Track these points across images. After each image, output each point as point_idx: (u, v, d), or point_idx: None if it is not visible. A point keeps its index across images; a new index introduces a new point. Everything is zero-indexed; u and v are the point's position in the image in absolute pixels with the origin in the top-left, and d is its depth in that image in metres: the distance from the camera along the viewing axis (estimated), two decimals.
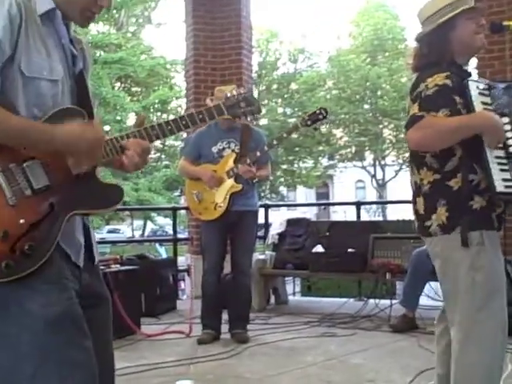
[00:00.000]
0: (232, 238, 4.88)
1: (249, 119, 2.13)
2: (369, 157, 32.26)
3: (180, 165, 5.08)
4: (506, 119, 2.45)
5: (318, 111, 4.63)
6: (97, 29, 23.34)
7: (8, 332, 1.67)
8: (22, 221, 1.68)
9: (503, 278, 2.47)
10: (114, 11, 22.70)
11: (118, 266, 5.36)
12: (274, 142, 4.88)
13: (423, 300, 5.51)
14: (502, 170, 2.38)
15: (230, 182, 4.72)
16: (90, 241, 1.90)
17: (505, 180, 2.36)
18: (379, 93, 28.56)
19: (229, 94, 1.99)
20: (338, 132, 30.04)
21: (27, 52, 1.71)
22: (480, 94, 2.44)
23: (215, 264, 4.83)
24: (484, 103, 2.43)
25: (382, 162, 32.29)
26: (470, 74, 2.59)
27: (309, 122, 4.60)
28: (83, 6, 1.83)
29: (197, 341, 4.80)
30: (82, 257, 1.85)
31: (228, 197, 4.71)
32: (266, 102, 29.09)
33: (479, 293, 2.41)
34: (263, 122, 27.88)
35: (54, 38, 1.82)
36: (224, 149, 4.78)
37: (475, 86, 2.44)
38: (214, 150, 4.79)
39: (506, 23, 2.65)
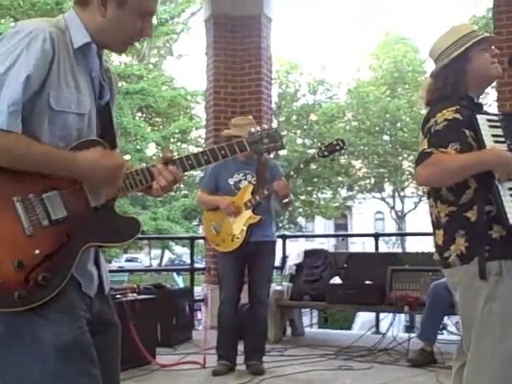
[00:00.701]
0: (250, 268, 4.87)
1: (271, 156, 2.08)
2: (388, 188, 32.12)
3: (198, 196, 5.12)
4: None
5: (335, 142, 4.58)
6: (119, 60, 23.71)
7: (20, 359, 1.68)
8: (37, 251, 1.68)
9: None
10: (137, 43, 23.08)
11: (134, 294, 5.36)
12: (292, 173, 4.87)
13: (442, 334, 5.44)
14: None
15: (247, 213, 4.72)
16: (100, 270, 1.92)
17: None
18: (399, 125, 28.54)
19: (253, 130, 1.98)
20: (357, 163, 29.99)
21: (57, 86, 1.74)
22: (490, 126, 2.45)
23: (232, 295, 4.82)
24: (495, 135, 2.44)
25: (402, 194, 32.11)
26: (481, 107, 2.61)
27: (326, 153, 4.55)
28: (128, 37, 1.87)
29: (212, 372, 4.77)
30: (94, 287, 1.86)
31: (246, 228, 4.70)
32: (285, 132, 29.16)
33: (496, 324, 2.39)
34: (282, 152, 27.91)
35: (85, 70, 1.85)
36: (240, 181, 4.81)
37: (485, 119, 2.45)
38: (231, 181, 4.82)
39: None
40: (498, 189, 2.37)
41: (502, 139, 2.46)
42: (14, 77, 1.66)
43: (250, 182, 4.79)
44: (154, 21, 21.11)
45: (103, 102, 1.92)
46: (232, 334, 4.85)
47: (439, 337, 5.31)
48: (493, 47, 2.61)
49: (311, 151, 27.01)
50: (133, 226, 1.87)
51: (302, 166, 4.85)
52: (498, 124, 2.48)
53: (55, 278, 1.69)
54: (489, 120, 2.46)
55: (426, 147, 2.43)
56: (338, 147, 4.55)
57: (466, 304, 2.49)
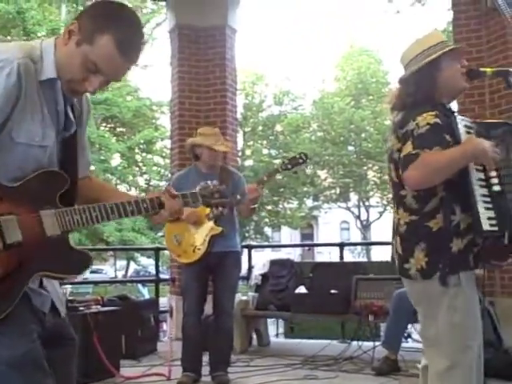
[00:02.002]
0: (214, 280, 4.85)
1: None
2: (353, 198, 32.42)
3: None
4: None
5: (298, 156, 4.62)
6: None
7: None
8: None
9: (479, 317, 2.51)
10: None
11: (98, 306, 5.29)
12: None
13: (407, 342, 5.49)
14: (486, 209, 2.40)
15: (209, 224, 4.71)
16: (50, 294, 1.90)
17: (489, 218, 2.39)
18: (363, 135, 28.88)
19: (202, 184, 2.16)
20: (323, 173, 30.23)
21: (21, 119, 1.74)
22: (466, 132, 2.49)
23: (195, 306, 4.79)
24: None
25: (367, 204, 32.46)
26: (453, 113, 2.64)
27: (289, 166, 4.59)
28: (69, 78, 1.83)
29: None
30: (45, 304, 1.85)
31: (207, 239, 4.70)
32: (251, 143, 29.29)
33: (459, 334, 2.43)
34: (248, 162, 28.01)
35: (51, 103, 1.84)
36: None
37: (462, 125, 2.50)
38: None
39: (483, 69, 2.72)
40: (475, 194, 2.39)
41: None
42: None
43: None
44: None
45: (67, 133, 1.92)
46: (197, 346, 4.82)
47: (403, 345, 5.36)
48: (463, 58, 2.66)
49: (277, 161, 27.14)
50: (84, 260, 1.87)
51: (265, 178, 4.86)
52: (471, 131, 2.52)
53: (2, 303, 1.69)
54: (465, 126, 2.51)
55: (411, 150, 2.42)
56: (300, 160, 4.59)
57: (428, 316, 2.53)
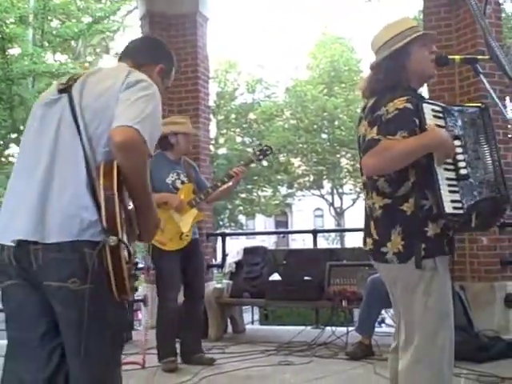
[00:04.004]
0: (189, 265, 4.90)
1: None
2: (327, 185, 32.55)
3: None
4: (458, 142, 2.50)
5: (265, 148, 4.93)
6: (54, 58, 23.16)
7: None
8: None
9: (451, 301, 2.55)
10: (72, 42, 22.58)
11: None
12: (225, 179, 4.98)
13: (381, 327, 5.55)
14: (451, 192, 2.41)
15: (193, 211, 4.83)
16: None
17: (454, 201, 2.41)
18: (336, 123, 28.94)
19: None
20: (296, 161, 30.27)
21: None
22: (434, 116, 2.50)
23: (177, 292, 4.87)
24: (438, 126, 2.48)
25: (340, 191, 32.62)
26: (423, 98, 2.66)
27: (260, 157, 4.91)
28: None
29: (164, 370, 4.75)
30: None
31: (192, 226, 4.81)
32: (224, 131, 29.21)
33: (431, 318, 2.46)
34: (222, 151, 27.94)
35: None
36: (175, 180, 4.86)
37: (430, 109, 2.50)
38: (168, 181, 4.85)
39: (451, 57, 2.73)
40: (438, 177, 2.41)
41: (444, 130, 2.52)
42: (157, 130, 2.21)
43: (183, 182, 4.87)
44: (90, 19, 20.78)
45: None
46: (175, 331, 4.89)
47: (377, 329, 5.42)
48: (432, 45, 2.67)
49: (251, 149, 27.12)
50: None
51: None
52: (441, 115, 2.53)
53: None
54: (433, 110, 2.51)
55: (374, 135, 2.43)
56: (268, 152, 4.92)
57: (403, 299, 2.56)
